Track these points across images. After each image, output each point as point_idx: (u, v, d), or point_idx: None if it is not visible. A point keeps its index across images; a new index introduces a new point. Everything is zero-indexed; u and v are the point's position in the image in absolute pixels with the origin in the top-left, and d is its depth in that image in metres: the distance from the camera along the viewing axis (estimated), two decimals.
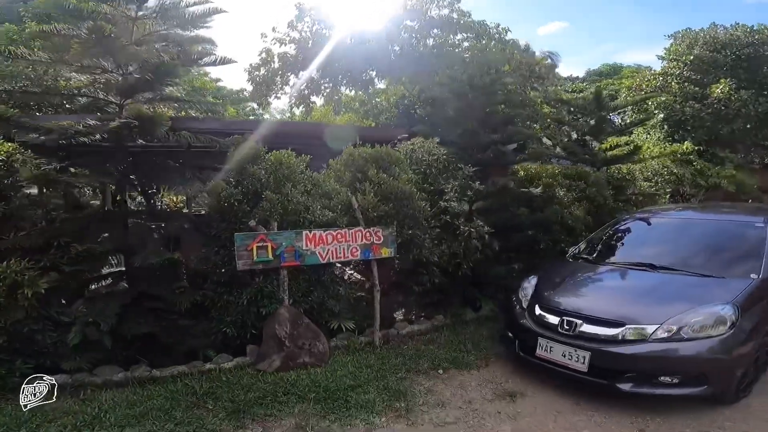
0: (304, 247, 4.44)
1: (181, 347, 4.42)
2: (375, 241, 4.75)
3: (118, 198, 8.91)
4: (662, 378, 3.41)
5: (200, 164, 4.91)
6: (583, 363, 3.57)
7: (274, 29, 14.03)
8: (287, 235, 4.39)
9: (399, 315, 5.67)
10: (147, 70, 4.04)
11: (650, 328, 3.48)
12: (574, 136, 9.16)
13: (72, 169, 4.27)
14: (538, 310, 4.07)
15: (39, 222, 4.10)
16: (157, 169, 4.37)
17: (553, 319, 3.87)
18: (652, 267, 4.22)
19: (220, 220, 4.44)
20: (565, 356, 3.66)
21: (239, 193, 4.40)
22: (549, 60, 13.94)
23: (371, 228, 4.75)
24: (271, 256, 4.26)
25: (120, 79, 4.26)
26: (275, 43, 13.95)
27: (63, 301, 4.01)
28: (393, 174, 5.00)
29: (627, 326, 3.54)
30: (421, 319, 5.42)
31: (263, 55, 14.41)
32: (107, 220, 4.47)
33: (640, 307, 3.70)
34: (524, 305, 4.27)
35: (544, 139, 10.22)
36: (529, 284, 4.49)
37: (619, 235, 5.20)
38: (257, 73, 14.52)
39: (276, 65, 14.37)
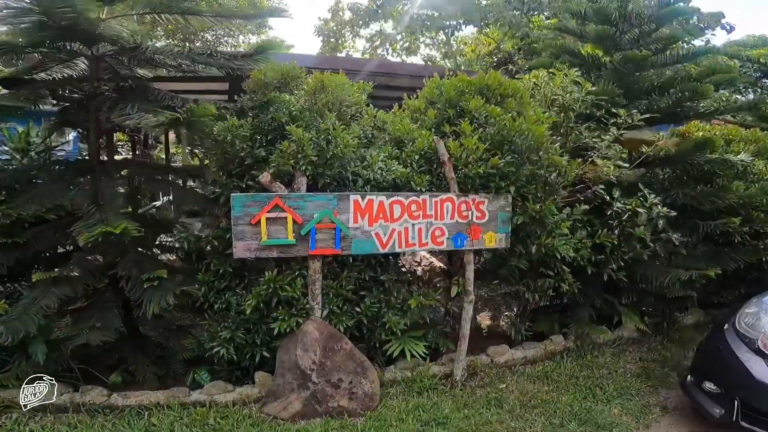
0: (351, 224, 2.68)
1: (173, 357, 3.12)
2: (474, 219, 2.86)
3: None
4: None
5: None
6: None
7: None
8: (322, 200, 2.64)
9: (485, 321, 4.19)
10: None
11: None
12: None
13: None
14: None
15: None
16: (128, 97, 2.74)
17: None
18: None
19: (219, 172, 2.74)
20: None
21: (249, 127, 2.65)
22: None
23: (469, 196, 2.85)
24: (291, 237, 2.54)
25: None
26: None
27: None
28: (508, 110, 2.96)
29: None
30: (520, 337, 3.61)
31: (333, 6, 13.10)
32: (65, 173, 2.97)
33: None
34: (762, 345, 2.69)
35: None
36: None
37: None
38: (326, 27, 13.15)
39: (346, 17, 12.88)
